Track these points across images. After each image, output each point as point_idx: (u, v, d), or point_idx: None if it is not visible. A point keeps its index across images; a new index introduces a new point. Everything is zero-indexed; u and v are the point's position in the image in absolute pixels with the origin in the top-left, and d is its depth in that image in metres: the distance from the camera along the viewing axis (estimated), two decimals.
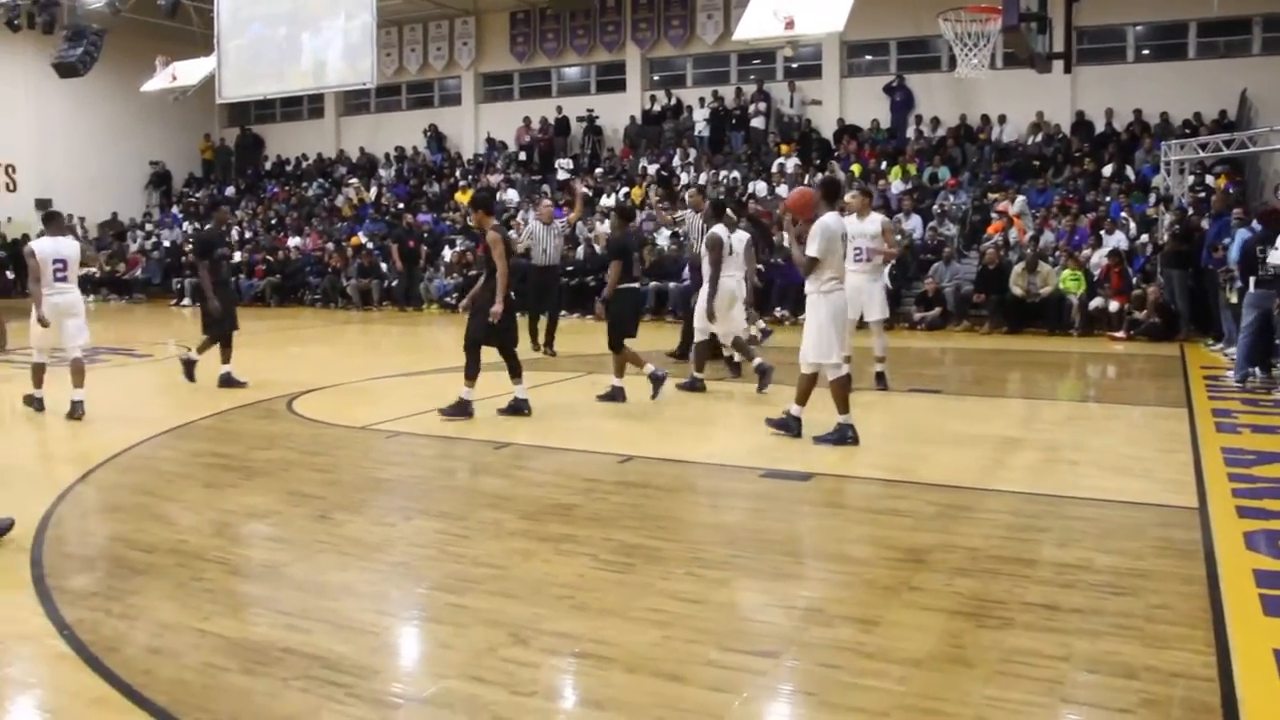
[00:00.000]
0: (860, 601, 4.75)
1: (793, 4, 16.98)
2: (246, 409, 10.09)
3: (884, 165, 22.20)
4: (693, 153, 24.74)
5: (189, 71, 22.92)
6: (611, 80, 27.50)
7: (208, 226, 12.16)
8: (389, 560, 5.46)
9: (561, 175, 26.01)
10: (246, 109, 31.31)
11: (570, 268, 20.24)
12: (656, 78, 27.09)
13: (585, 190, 19.62)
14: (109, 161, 30.94)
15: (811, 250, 7.79)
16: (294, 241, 25.89)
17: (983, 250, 18.05)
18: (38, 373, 10.04)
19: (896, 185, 21.15)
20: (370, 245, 23.88)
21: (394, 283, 22.55)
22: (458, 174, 27.77)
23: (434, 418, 9.19)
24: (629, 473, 7.22)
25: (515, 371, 9.21)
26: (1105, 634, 4.31)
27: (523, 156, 27.46)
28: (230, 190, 31.57)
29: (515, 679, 3.98)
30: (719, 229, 10.45)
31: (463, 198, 25.31)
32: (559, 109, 27.44)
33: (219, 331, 11.37)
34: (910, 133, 23.24)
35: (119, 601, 4.87)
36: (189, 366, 11.60)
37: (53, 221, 10.10)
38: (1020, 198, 19.76)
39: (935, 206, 20.20)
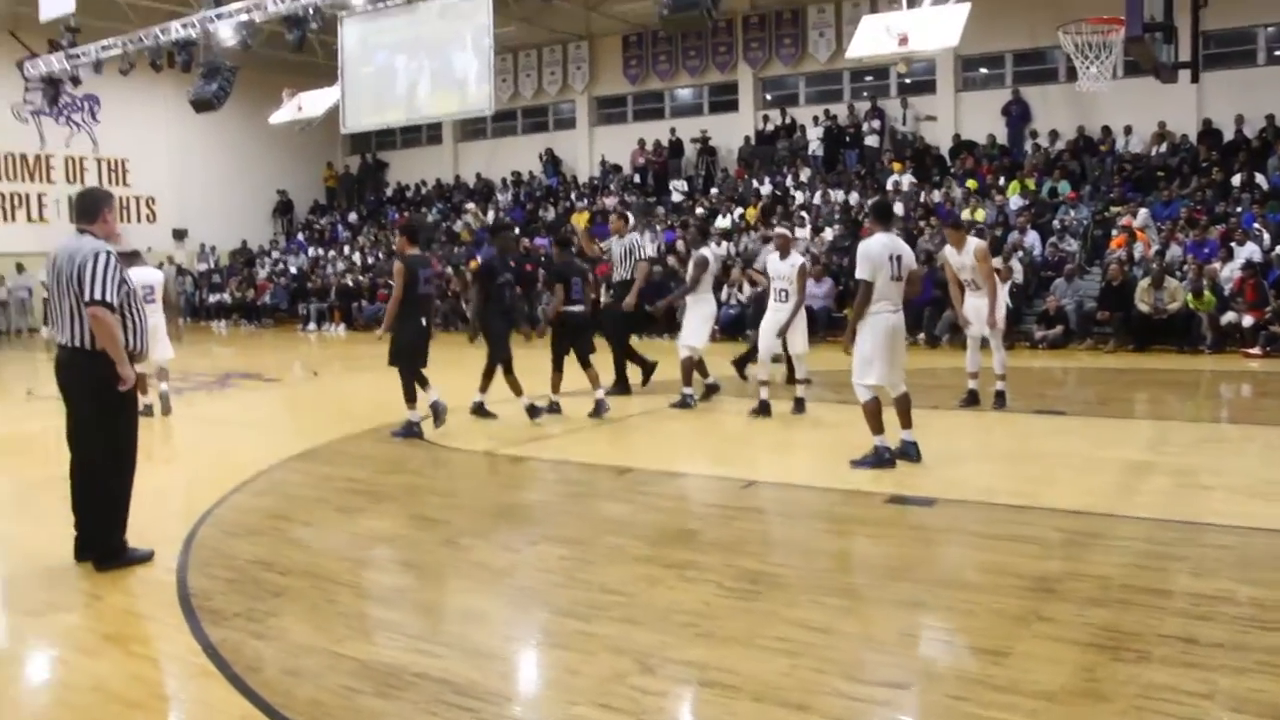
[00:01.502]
0: (989, 632, 4.66)
1: (906, 20, 16.81)
2: (372, 433, 10.31)
3: (1001, 180, 21.78)
4: (806, 172, 24.63)
5: (314, 103, 23.60)
6: (724, 101, 27.56)
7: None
8: (516, 585, 5.54)
9: (677, 196, 26.13)
10: (368, 137, 32.15)
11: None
12: (769, 97, 27.06)
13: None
14: (239, 191, 32.17)
15: (860, 273, 7.71)
16: None
17: (1106, 266, 17.59)
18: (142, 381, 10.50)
19: (1014, 201, 20.74)
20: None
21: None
22: (573, 197, 28.08)
23: (555, 442, 9.28)
24: (752, 498, 7.22)
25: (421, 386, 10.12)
26: (1251, 670, 4.15)
27: (637, 179, 27.65)
28: (353, 216, 32.42)
29: (643, 707, 4.00)
30: (705, 250, 11.71)
31: (579, 220, 25.58)
32: (672, 130, 27.59)
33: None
34: (1028, 146, 22.79)
35: (258, 623, 5.03)
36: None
37: (134, 258, 11.14)
38: (1144, 211, 19.20)
39: (1055, 222, 19.75)
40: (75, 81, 24.83)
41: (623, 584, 5.42)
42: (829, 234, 21.29)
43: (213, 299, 29.43)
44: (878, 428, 7.85)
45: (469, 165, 32.00)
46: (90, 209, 5.93)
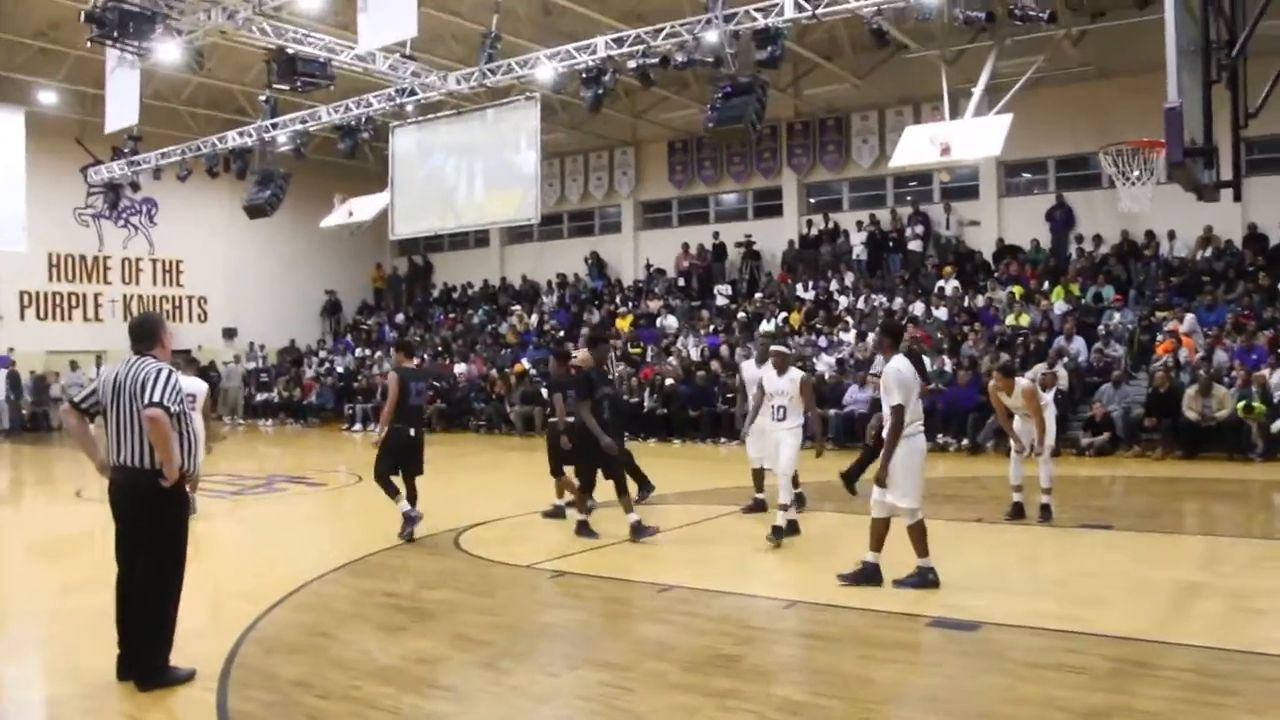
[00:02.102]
0: None
1: (949, 131, 17.04)
2: (414, 545, 10.33)
3: (1045, 285, 21.77)
4: (850, 276, 24.75)
5: (364, 207, 24.17)
6: (768, 205, 27.88)
7: (578, 360, 11.07)
8: (553, 714, 5.50)
9: (721, 300, 26.31)
10: (416, 239, 32.71)
11: (729, 396, 20.38)
12: (813, 202, 27.35)
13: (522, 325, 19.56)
14: (288, 291, 32.93)
15: (895, 398, 7.66)
16: (460, 368, 26.71)
17: (1152, 372, 17.47)
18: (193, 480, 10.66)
19: (1059, 306, 20.70)
20: (533, 372, 24.44)
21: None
22: (618, 300, 28.34)
23: (595, 556, 9.27)
24: (793, 620, 7.14)
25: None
26: None
27: (681, 282, 27.89)
28: (400, 317, 32.89)
29: None
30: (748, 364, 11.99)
31: (623, 324, 25.80)
32: (716, 235, 27.90)
33: (614, 472, 10.19)
34: (1072, 251, 22.79)
35: None
36: (584, 527, 10.58)
37: (188, 362, 11.42)
38: (1190, 316, 19.09)
39: (1100, 327, 19.67)
40: (135, 187, 25.70)
41: (661, 714, 5.37)
42: (872, 339, 21.30)
43: (260, 397, 29.85)
44: (923, 549, 7.79)
45: (515, 267, 32.48)
46: (149, 334, 6.18)
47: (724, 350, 22.74)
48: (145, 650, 6.02)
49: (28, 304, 28.23)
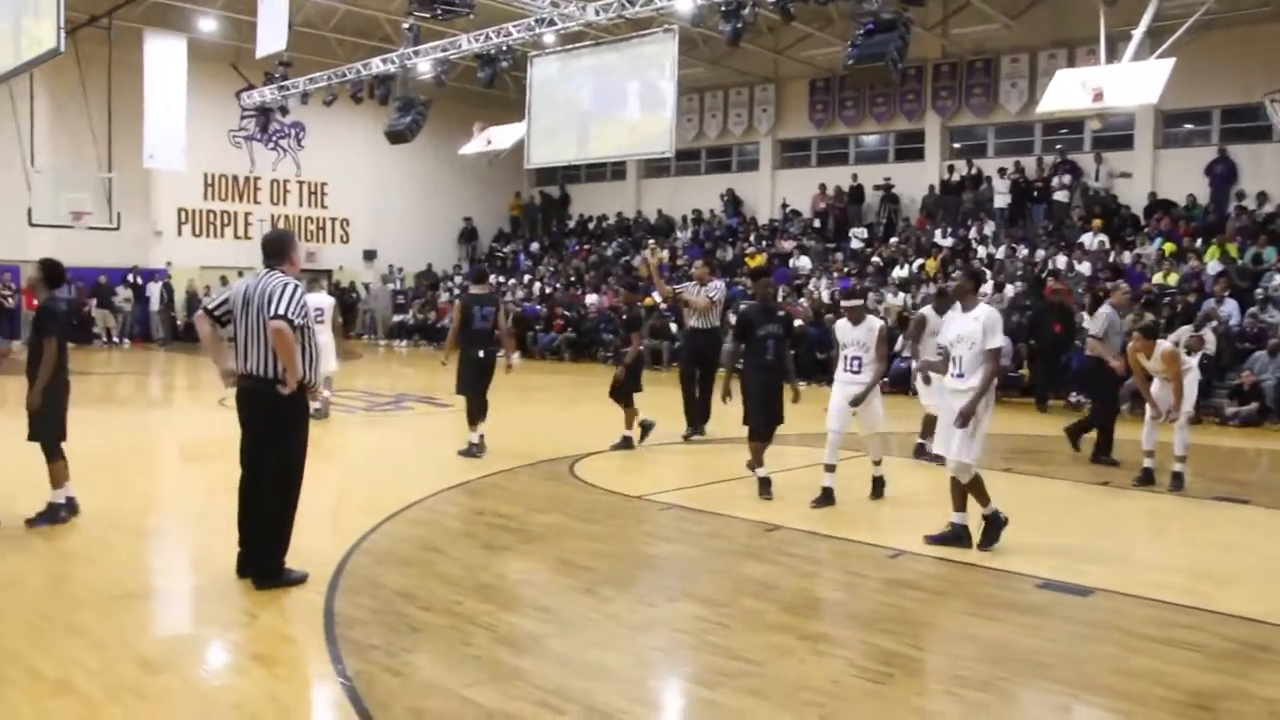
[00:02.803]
0: None
1: (1103, 76, 16.26)
2: (531, 469, 10.52)
3: (1199, 244, 20.77)
4: (990, 225, 24.04)
5: (503, 136, 24.32)
6: (910, 148, 27.21)
7: (746, 298, 11.95)
8: (648, 644, 5.53)
9: (856, 244, 25.86)
10: (554, 170, 32.88)
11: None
12: (956, 146, 26.57)
13: (655, 258, 19.25)
14: (427, 217, 33.51)
15: (998, 340, 7.38)
16: (591, 299, 26.86)
17: None
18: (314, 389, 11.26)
19: (1213, 266, 19.74)
20: (664, 306, 24.44)
21: (681, 344, 23.00)
22: (752, 238, 28.09)
23: (708, 491, 9.26)
24: (898, 569, 7.03)
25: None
26: None
27: (817, 224, 27.49)
28: (535, 246, 33.19)
29: None
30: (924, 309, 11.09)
31: (753, 262, 25.56)
32: (855, 176, 27.36)
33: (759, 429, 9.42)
34: (1231, 209, 21.68)
35: (395, 658, 5.16)
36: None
37: (312, 284, 12.54)
38: None
39: (1258, 290, 18.70)
40: (284, 111, 26.35)
41: (754, 652, 5.35)
42: (1010, 290, 20.70)
43: (396, 319, 30.58)
44: (962, 504, 7.60)
45: (651, 201, 32.42)
46: (280, 250, 6.40)
47: (871, 298, 22.35)
48: (263, 551, 6.30)
49: (184, 220, 29.37)
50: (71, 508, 7.93)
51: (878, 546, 7.56)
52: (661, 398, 11.70)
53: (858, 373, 8.97)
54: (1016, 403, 17.36)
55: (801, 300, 22.68)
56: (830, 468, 8.98)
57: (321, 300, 12.68)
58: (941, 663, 5.29)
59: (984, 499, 7.54)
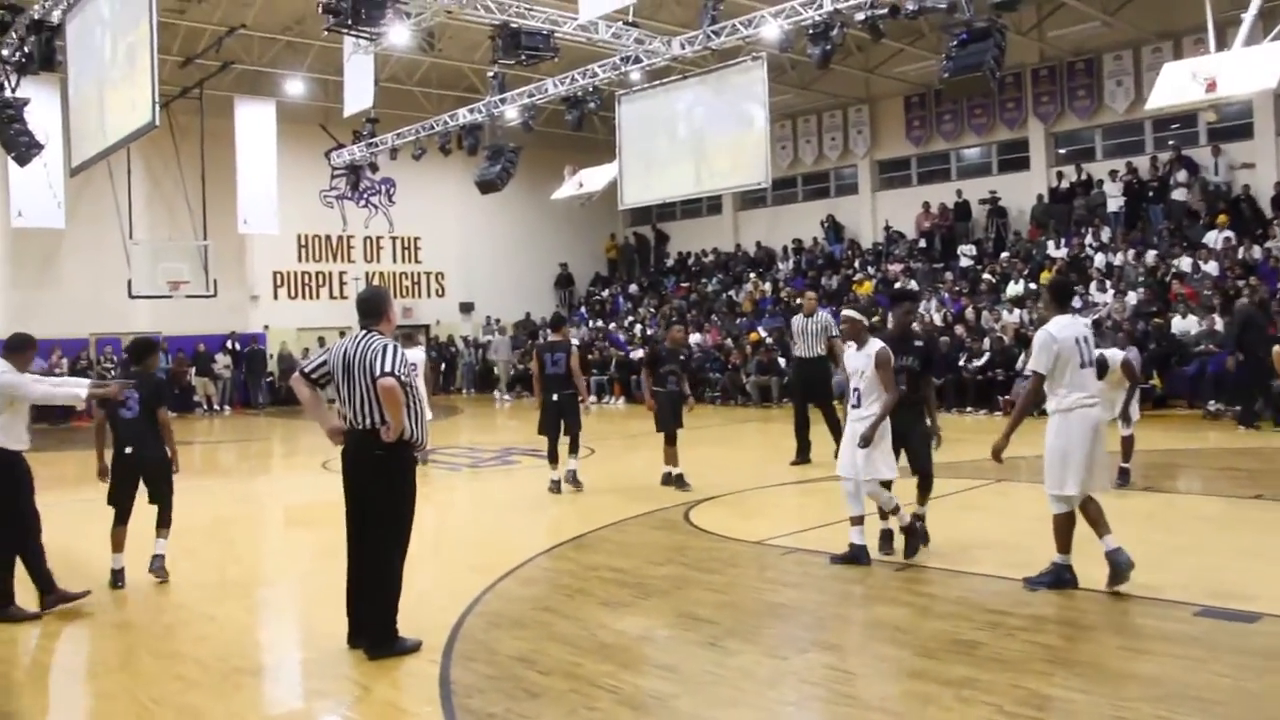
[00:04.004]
0: None
1: (1214, 65, 15.74)
2: (644, 519, 10.40)
3: None
4: (1105, 231, 23.38)
5: (594, 178, 24.50)
6: (1014, 159, 26.66)
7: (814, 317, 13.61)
8: (780, 699, 5.34)
9: (964, 261, 25.39)
10: (648, 208, 32.91)
11: (977, 361, 19.69)
12: (1062, 152, 25.96)
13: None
14: (522, 266, 33.81)
15: (1035, 363, 7.00)
16: (695, 338, 26.79)
17: None
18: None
19: None
20: (769, 340, 24.24)
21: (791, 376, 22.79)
22: (857, 264, 27.77)
23: (830, 533, 9.03)
24: (1040, 604, 6.73)
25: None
26: None
27: (923, 244, 27.09)
28: (633, 288, 33.27)
29: None
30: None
31: (862, 290, 25.25)
32: (959, 192, 26.91)
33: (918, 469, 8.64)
34: None
35: None
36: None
37: (406, 339, 12.90)
38: None
39: None
40: (374, 168, 26.92)
41: (893, 702, 5.14)
42: (1132, 298, 20.08)
43: (497, 370, 30.79)
44: (1065, 545, 7.05)
45: (749, 234, 32.33)
46: (376, 309, 6.48)
47: (969, 313, 21.92)
48: (373, 618, 6.27)
49: (280, 284, 29.98)
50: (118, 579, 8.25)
51: (1015, 580, 7.24)
52: (762, 435, 11.49)
53: (857, 406, 7.99)
54: (1164, 416, 16.75)
55: (914, 326, 22.32)
56: (856, 520, 8.07)
57: (415, 355, 13.08)
58: (1100, 705, 5.00)
59: (1063, 545, 7.09)
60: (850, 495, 8.04)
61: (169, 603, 7.84)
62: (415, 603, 6.57)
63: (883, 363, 7.89)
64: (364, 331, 6.36)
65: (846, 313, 8.37)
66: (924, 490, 8.42)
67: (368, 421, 6.20)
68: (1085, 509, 7.02)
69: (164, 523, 8.34)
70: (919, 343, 8.69)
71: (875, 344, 8.03)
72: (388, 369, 6.09)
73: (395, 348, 6.23)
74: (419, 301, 32.29)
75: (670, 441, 12.31)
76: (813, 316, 13.61)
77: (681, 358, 13.10)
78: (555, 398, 12.03)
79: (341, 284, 30.67)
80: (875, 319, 8.59)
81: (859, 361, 8.01)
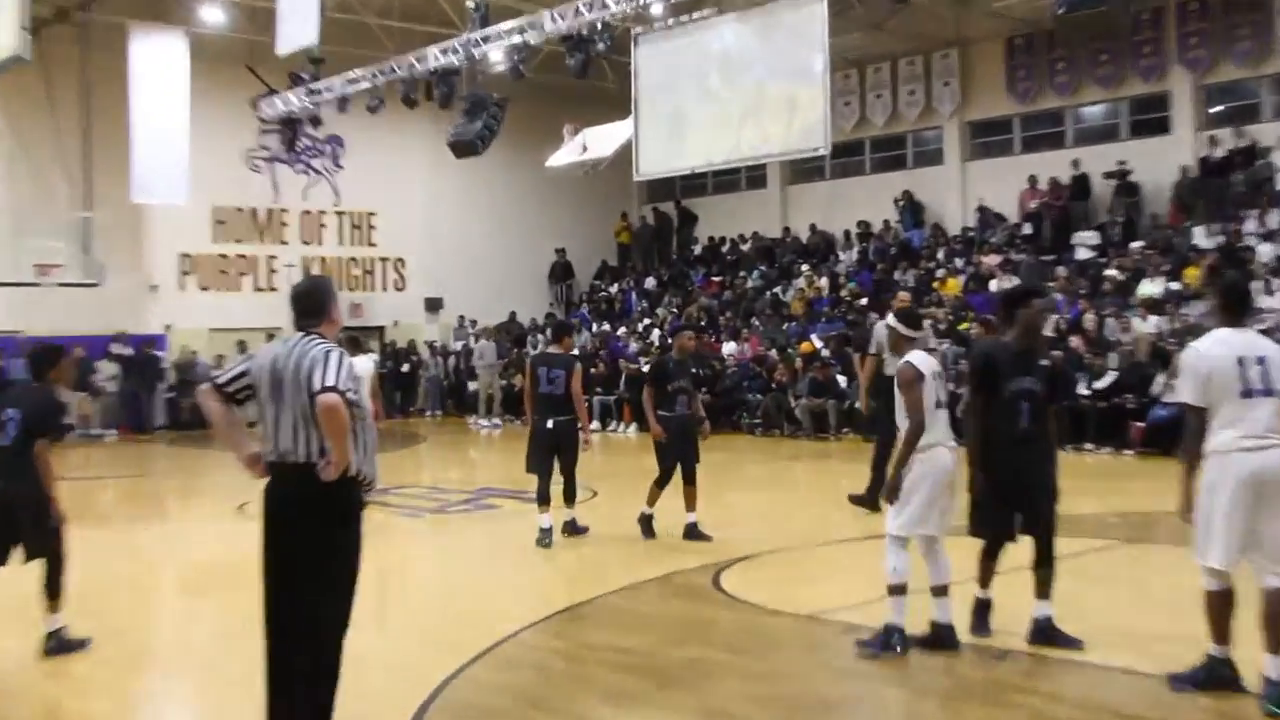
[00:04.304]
0: None
1: None
2: (662, 582, 10.33)
3: None
4: (1276, 215, 23.23)
5: (601, 140, 24.50)
6: (1150, 119, 26.70)
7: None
8: None
9: (1083, 253, 25.26)
10: (671, 182, 32.96)
11: (1100, 383, 19.56)
12: (1215, 112, 25.88)
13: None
14: (506, 253, 33.90)
15: (1184, 393, 6.78)
16: (729, 348, 26.71)
17: None
18: None
19: None
20: (826, 353, 24.13)
21: (856, 404, 22.56)
22: (940, 255, 27.69)
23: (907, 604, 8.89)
24: (1190, 709, 6.58)
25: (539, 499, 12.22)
26: None
27: (1028, 229, 26.99)
28: (650, 282, 33.27)
29: None
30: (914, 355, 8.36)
31: (948, 289, 25.14)
32: (1076, 163, 26.78)
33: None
34: None
35: None
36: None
37: (350, 344, 12.28)
38: None
39: None
40: (316, 122, 26.90)
41: None
42: None
43: (472, 386, 30.68)
44: (1220, 634, 6.76)
45: (801, 215, 32.40)
46: (316, 305, 6.33)
47: (1088, 320, 21.75)
48: (303, 715, 6.11)
49: (188, 271, 30.04)
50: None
51: (1153, 676, 7.07)
52: (816, 474, 11.38)
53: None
54: None
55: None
56: (938, 590, 7.90)
57: (362, 366, 13.02)
58: None
59: (1217, 635, 6.80)
60: (924, 556, 7.93)
61: (24, 695, 7.71)
62: (359, 693, 6.45)
63: (904, 382, 7.95)
64: (300, 334, 6.20)
65: (887, 323, 8.64)
66: (1043, 561, 8.10)
67: (301, 452, 6.02)
68: (1267, 600, 6.61)
69: (53, 591, 8.26)
70: (1044, 361, 8.40)
71: (907, 358, 8.09)
72: (330, 382, 5.90)
73: (341, 355, 6.07)
74: (372, 296, 32.40)
75: (689, 480, 12.28)
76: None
77: (694, 371, 13.15)
78: (550, 424, 12.10)
79: (271, 272, 30.75)
80: (972, 325, 8.30)
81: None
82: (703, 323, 28.93)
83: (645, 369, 26.21)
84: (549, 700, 7.14)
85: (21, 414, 8.11)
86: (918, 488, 7.74)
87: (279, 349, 6.21)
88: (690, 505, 12.27)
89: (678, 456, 12.24)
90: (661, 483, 12.28)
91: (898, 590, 7.74)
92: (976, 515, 7.92)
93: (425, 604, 10.29)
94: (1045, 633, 7.82)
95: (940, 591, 7.85)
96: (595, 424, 26.22)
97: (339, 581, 6.14)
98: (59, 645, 8.24)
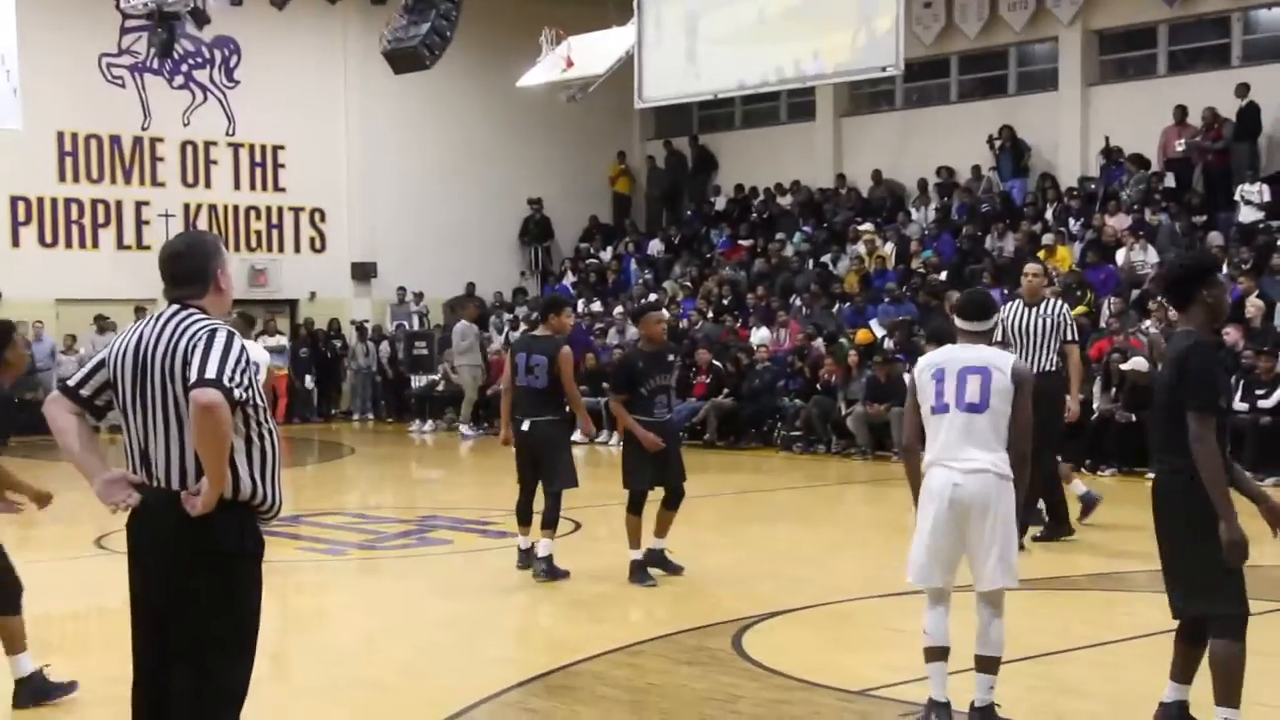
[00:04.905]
0: None
1: None
2: (667, 644, 10.36)
3: None
4: None
5: (592, 53, 24.55)
6: None
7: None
8: None
9: (1248, 213, 25.25)
10: (685, 110, 32.96)
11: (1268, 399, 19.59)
12: None
13: None
14: (464, 203, 34.07)
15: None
16: (759, 336, 26.71)
17: None
18: None
19: None
20: (889, 343, 24.19)
21: None
22: (1050, 213, 27.75)
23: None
24: None
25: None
26: None
27: (1170, 180, 27.02)
28: (656, 245, 33.26)
29: None
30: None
31: (1056, 260, 25.18)
32: (1243, 88, 26.71)
33: None
34: None
35: None
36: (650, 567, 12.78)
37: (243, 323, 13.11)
38: None
39: None
40: (200, 19, 26.74)
41: None
42: None
43: (416, 381, 30.71)
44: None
45: (861, 158, 32.50)
46: (194, 270, 6.16)
47: (1252, 306, 21.80)
48: None
49: (24, 220, 30.01)
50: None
51: None
52: (873, 504, 11.42)
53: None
54: None
55: (1145, 327, 22.20)
56: (927, 655, 8.13)
57: (259, 353, 13.54)
58: None
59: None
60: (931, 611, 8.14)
61: None
62: None
63: (1022, 380, 8.01)
64: (174, 309, 6.06)
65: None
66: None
67: (175, 471, 5.92)
68: None
69: None
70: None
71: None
72: (210, 374, 5.73)
73: (230, 338, 5.92)
74: (280, 260, 32.27)
75: (672, 504, 12.70)
76: (1040, 306, 13.75)
77: (670, 359, 13.50)
78: (526, 426, 12.70)
79: (142, 224, 30.66)
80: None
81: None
82: (724, 301, 28.99)
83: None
84: None
85: None
86: (918, 524, 7.99)
87: (145, 329, 6.03)
88: (662, 531, 12.63)
89: (657, 474, 12.48)
90: (636, 507, 12.48)
91: (931, 655, 7.93)
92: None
93: (346, 674, 10.30)
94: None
95: (978, 664, 8.01)
96: (576, 433, 26.37)
97: (228, 643, 6.02)
98: None
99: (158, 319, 6.03)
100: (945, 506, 7.68)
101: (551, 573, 12.55)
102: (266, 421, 6.10)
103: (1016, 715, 8.01)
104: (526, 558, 12.80)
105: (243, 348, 5.93)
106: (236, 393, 5.76)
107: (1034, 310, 13.67)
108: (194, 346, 5.80)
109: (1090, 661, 9.81)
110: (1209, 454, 7.09)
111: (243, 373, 5.82)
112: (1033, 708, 8.35)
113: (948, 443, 7.74)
